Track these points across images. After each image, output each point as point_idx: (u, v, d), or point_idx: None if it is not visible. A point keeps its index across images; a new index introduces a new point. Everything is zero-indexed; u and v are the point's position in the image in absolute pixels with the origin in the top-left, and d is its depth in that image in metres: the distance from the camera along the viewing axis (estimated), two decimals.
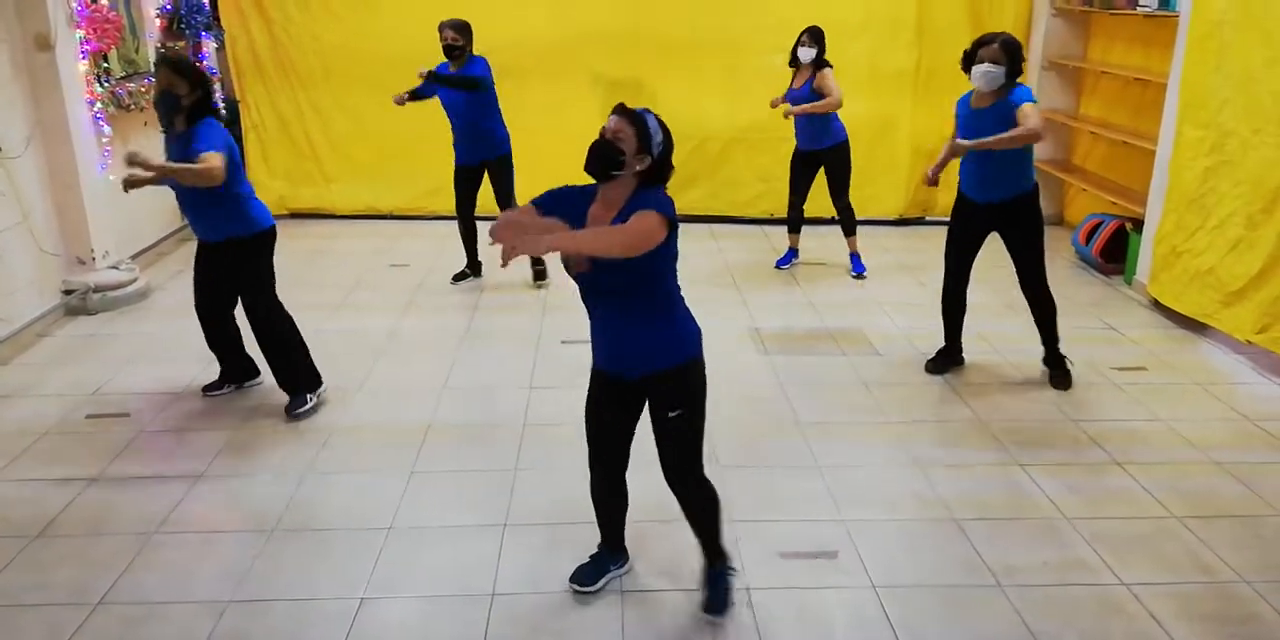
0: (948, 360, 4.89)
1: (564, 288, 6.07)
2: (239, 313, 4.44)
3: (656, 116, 2.78)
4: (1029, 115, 4.16)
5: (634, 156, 2.71)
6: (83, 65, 5.62)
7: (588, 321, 2.90)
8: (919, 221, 7.84)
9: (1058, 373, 4.74)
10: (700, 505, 3.02)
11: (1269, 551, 3.37)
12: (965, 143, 4.25)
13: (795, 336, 5.41)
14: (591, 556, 3.22)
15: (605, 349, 2.89)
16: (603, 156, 2.71)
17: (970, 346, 5.00)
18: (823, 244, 6.91)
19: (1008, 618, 3.02)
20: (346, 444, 4.12)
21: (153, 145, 6.74)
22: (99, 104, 5.78)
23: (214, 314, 4.44)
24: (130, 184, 4.10)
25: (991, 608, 3.07)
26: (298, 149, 7.72)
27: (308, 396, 4.39)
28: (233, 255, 4.23)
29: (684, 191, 7.76)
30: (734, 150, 7.66)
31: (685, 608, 3.07)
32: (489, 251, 6.45)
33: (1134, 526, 3.52)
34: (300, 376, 4.40)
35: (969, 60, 4.33)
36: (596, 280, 2.74)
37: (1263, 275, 4.80)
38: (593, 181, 2.78)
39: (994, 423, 4.33)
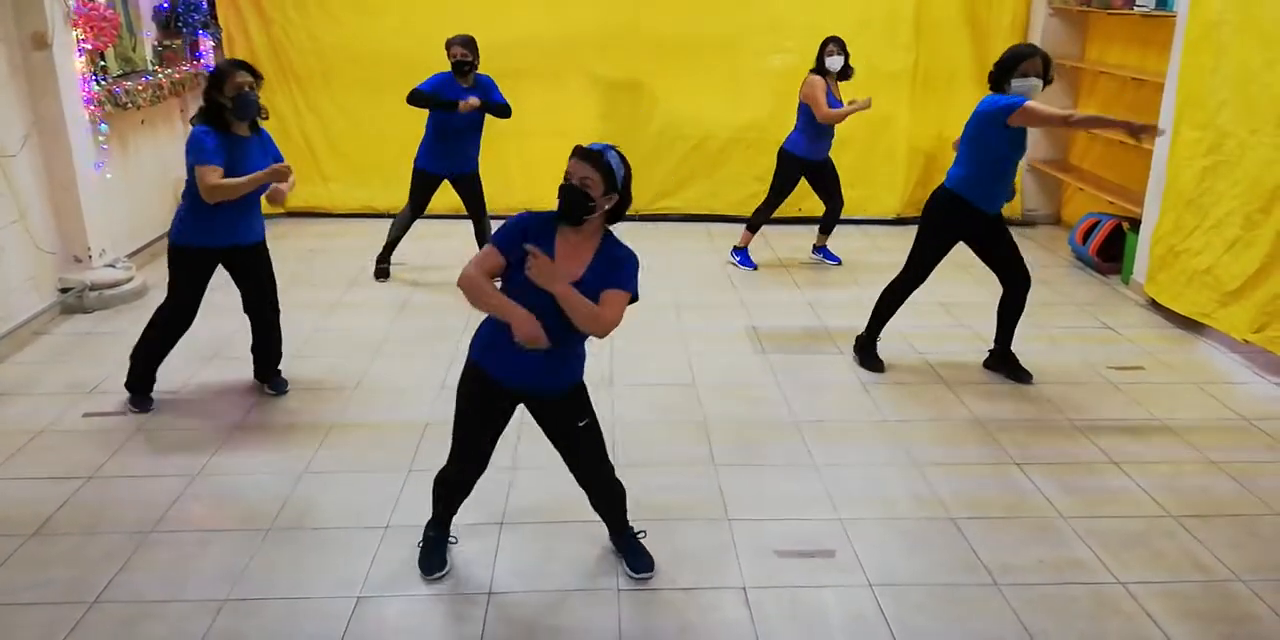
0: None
1: None
2: (236, 311, 4.46)
3: (616, 150, 2.81)
4: None
5: (602, 198, 2.77)
6: (79, 64, 5.61)
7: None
8: (916, 221, 7.82)
9: (1019, 368, 4.80)
10: (618, 495, 3.21)
11: (1265, 550, 3.38)
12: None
13: (793, 336, 5.41)
14: (429, 544, 3.24)
15: (518, 365, 2.88)
16: (575, 205, 2.75)
17: (968, 346, 5.01)
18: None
19: (1004, 616, 3.02)
20: (343, 442, 4.12)
21: (151, 144, 6.74)
22: (96, 102, 5.77)
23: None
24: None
25: (988, 606, 3.07)
26: (295, 148, 7.70)
27: None
28: (266, 251, 4.44)
29: (682, 190, 7.78)
30: (732, 150, 7.66)
31: (682, 606, 3.07)
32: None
33: (1130, 525, 3.53)
34: None
35: (1006, 74, 4.32)
36: (553, 309, 2.76)
37: (1260, 274, 4.81)
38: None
39: (991, 422, 4.34)
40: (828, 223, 6.61)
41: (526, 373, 2.90)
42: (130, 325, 5.46)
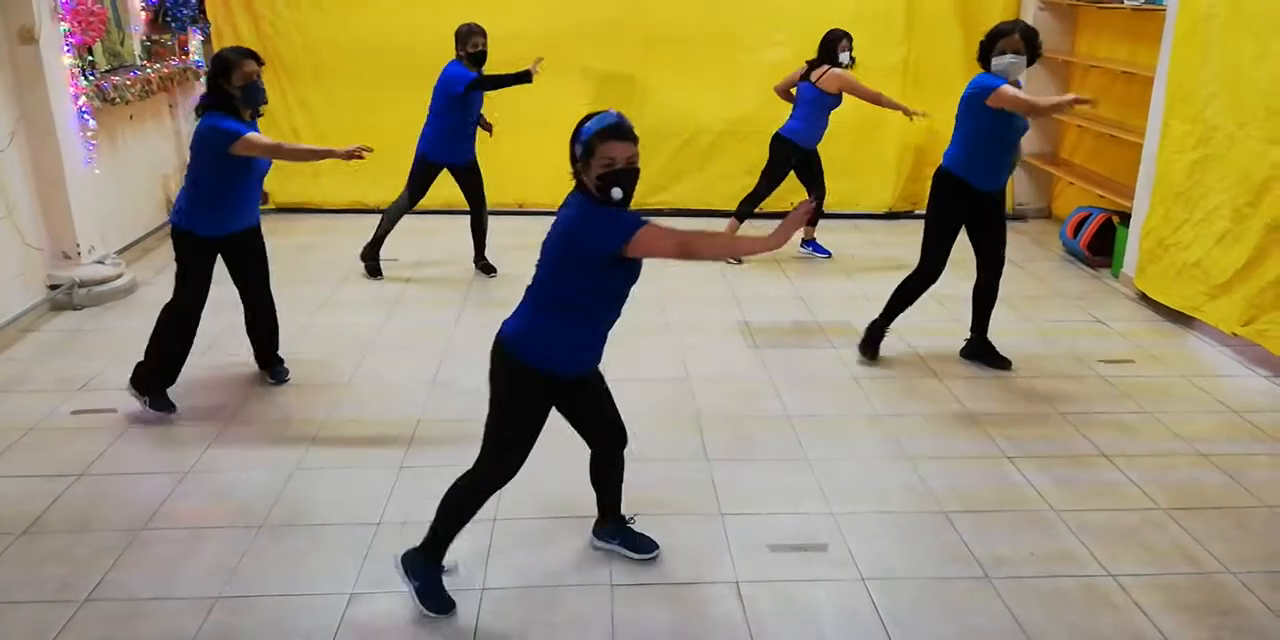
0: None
1: None
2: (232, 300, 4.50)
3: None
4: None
5: None
6: (67, 58, 5.58)
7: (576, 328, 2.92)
8: (907, 215, 7.85)
9: (996, 355, 4.85)
10: (622, 467, 3.23)
11: (1254, 543, 3.40)
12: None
13: (784, 329, 5.42)
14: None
15: (597, 349, 2.96)
16: (634, 186, 2.73)
17: (960, 339, 5.02)
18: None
19: (995, 609, 3.03)
20: (335, 439, 4.11)
21: (139, 139, 6.70)
22: (84, 97, 5.74)
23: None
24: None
25: (979, 599, 3.08)
26: None
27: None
28: (260, 235, 4.44)
29: (674, 185, 7.77)
30: (724, 144, 7.66)
31: (675, 600, 3.07)
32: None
33: (1121, 518, 3.54)
34: None
35: (987, 51, 4.34)
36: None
37: (1248, 268, 4.82)
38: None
39: (982, 415, 4.35)
40: (814, 214, 6.64)
41: (595, 356, 2.98)
42: (120, 322, 5.45)
